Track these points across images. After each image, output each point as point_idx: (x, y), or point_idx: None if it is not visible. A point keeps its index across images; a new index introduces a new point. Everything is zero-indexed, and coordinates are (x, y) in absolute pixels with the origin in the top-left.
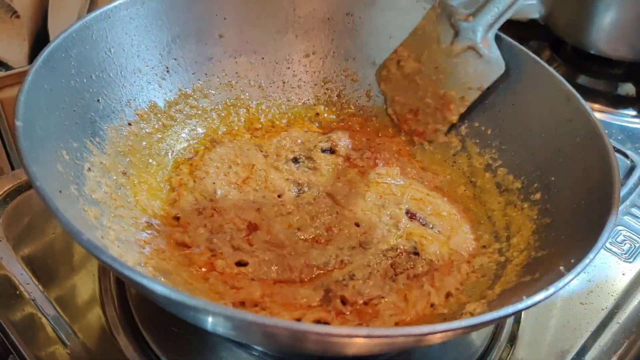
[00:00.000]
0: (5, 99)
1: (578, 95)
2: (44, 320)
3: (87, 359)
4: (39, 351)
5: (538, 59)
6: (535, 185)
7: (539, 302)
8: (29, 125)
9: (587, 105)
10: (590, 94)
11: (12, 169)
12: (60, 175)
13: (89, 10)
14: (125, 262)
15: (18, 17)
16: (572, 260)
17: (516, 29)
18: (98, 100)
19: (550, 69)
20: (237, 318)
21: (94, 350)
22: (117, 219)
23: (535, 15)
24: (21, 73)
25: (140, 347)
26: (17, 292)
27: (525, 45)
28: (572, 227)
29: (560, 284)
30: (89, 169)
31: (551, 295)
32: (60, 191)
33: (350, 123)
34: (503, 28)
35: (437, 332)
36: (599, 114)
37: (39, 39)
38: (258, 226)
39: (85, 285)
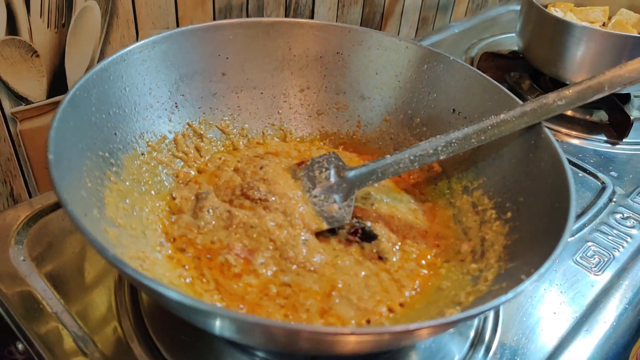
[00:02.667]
0: (25, 130)
1: (542, 124)
2: (65, 332)
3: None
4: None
5: (507, 90)
6: (507, 205)
7: (501, 304)
8: (58, 157)
9: (550, 132)
10: (566, 121)
11: (29, 195)
12: (85, 200)
13: (102, 49)
14: (145, 274)
15: (38, 56)
16: (532, 270)
17: (499, 60)
18: (115, 134)
19: (517, 99)
20: (240, 320)
21: (111, 358)
22: (134, 239)
23: (515, 47)
24: (40, 107)
25: (154, 355)
26: (41, 307)
27: (507, 75)
28: (536, 241)
29: (518, 289)
30: (108, 194)
31: (511, 298)
32: (85, 214)
33: (342, 148)
34: (484, 59)
35: (423, 327)
36: (575, 139)
37: (56, 75)
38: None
39: (102, 299)
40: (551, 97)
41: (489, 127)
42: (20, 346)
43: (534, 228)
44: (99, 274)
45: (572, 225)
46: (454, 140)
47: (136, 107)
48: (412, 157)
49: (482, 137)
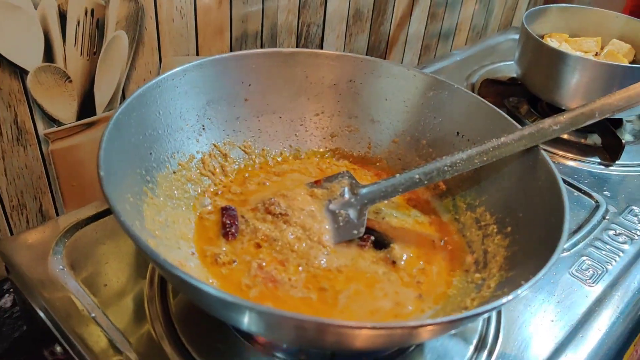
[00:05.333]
0: (56, 150)
1: (539, 147)
2: (101, 332)
3: None
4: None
5: (506, 116)
6: (507, 220)
7: (502, 305)
8: (108, 174)
9: (546, 154)
10: (563, 144)
11: (56, 210)
12: (128, 213)
13: (128, 74)
14: (185, 262)
15: (71, 81)
16: (530, 276)
17: (498, 87)
18: (150, 153)
19: (516, 124)
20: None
21: (144, 354)
22: (169, 249)
23: (513, 73)
24: (70, 128)
25: (182, 354)
26: (79, 311)
27: (506, 100)
28: (534, 252)
29: (518, 292)
30: (146, 208)
31: (512, 299)
32: (131, 225)
33: (353, 168)
34: (485, 85)
35: (437, 323)
36: (571, 161)
37: (86, 99)
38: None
39: (134, 303)
40: (547, 122)
41: (490, 149)
42: (58, 348)
43: (532, 240)
44: (131, 281)
45: (566, 236)
46: (458, 161)
47: (168, 129)
48: (420, 176)
49: (485, 158)
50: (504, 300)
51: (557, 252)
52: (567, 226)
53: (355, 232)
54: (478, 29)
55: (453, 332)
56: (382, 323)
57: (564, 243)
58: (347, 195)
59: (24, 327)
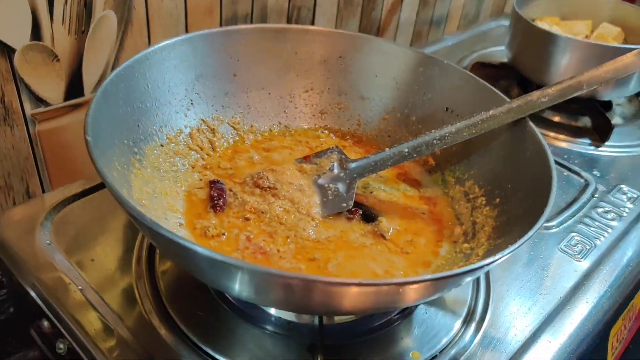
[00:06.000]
0: (43, 131)
1: (527, 118)
2: (89, 306)
3: (129, 336)
4: (89, 333)
5: (495, 89)
6: (496, 192)
7: (488, 264)
8: (95, 140)
9: (535, 126)
10: (554, 126)
11: (43, 192)
12: (116, 180)
13: (117, 55)
14: (178, 234)
15: (58, 60)
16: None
17: (489, 69)
18: (138, 125)
19: (504, 97)
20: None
21: (132, 328)
22: (157, 219)
23: (504, 59)
24: (57, 109)
25: (171, 327)
26: (67, 284)
27: (497, 83)
28: (521, 220)
29: (504, 253)
30: (134, 178)
31: (498, 259)
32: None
33: (343, 144)
34: (476, 68)
35: (425, 280)
36: (562, 142)
37: (74, 79)
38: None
39: (122, 276)
40: (535, 95)
41: (479, 122)
42: (45, 323)
43: (520, 209)
44: (119, 255)
45: (552, 202)
46: (447, 134)
47: (156, 103)
48: (409, 149)
49: (473, 131)
50: (489, 260)
51: (544, 215)
52: (554, 192)
53: (344, 205)
54: (470, 17)
55: (440, 294)
56: (369, 280)
57: (550, 208)
58: (336, 170)
59: (11, 309)
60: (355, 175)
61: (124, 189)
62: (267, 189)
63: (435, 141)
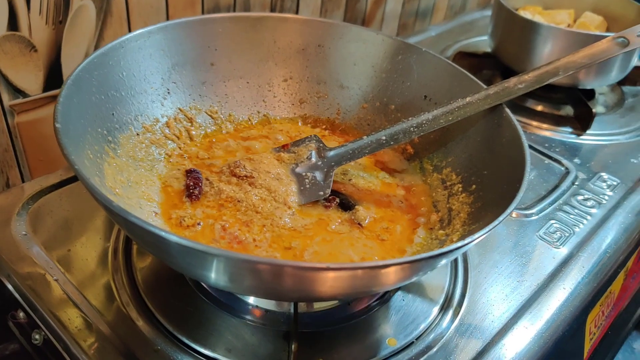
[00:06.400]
0: (22, 122)
1: (504, 105)
2: (65, 297)
3: (106, 328)
4: (64, 325)
5: (472, 76)
6: (472, 178)
7: (457, 248)
8: (65, 128)
9: (511, 112)
10: (537, 115)
11: None
12: (87, 168)
13: (96, 46)
14: (147, 221)
15: (36, 51)
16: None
17: (472, 59)
18: (113, 114)
19: (482, 84)
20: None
21: (110, 321)
22: (130, 207)
23: (487, 48)
24: (36, 100)
25: (148, 317)
26: (42, 275)
27: (479, 73)
28: (495, 205)
29: (474, 236)
30: (107, 167)
31: (468, 243)
32: (88, 178)
33: (323, 133)
34: (458, 58)
35: (399, 263)
36: (545, 131)
37: (53, 70)
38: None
39: (99, 267)
40: (512, 81)
41: (456, 109)
42: (21, 314)
43: (494, 195)
44: (95, 245)
45: (524, 187)
46: (424, 122)
47: (132, 92)
48: (386, 137)
49: (450, 118)
50: (459, 244)
51: (515, 201)
52: (527, 177)
53: (321, 193)
54: (456, 8)
55: (409, 280)
56: (337, 264)
57: (522, 193)
58: (314, 159)
59: None
60: (332, 163)
61: (95, 177)
62: (244, 178)
63: (412, 128)
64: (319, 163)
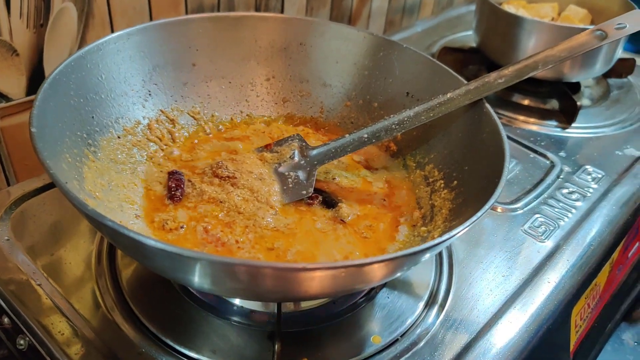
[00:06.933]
0: (5, 127)
1: (484, 100)
2: (48, 302)
3: (90, 333)
4: (48, 330)
5: (453, 72)
6: (454, 174)
7: (435, 245)
8: (40, 132)
9: (490, 106)
10: (523, 109)
11: None
12: (65, 172)
13: (79, 48)
14: (124, 226)
15: (18, 55)
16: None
17: (457, 54)
18: (92, 117)
19: (462, 79)
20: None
21: (95, 326)
22: (111, 210)
23: (473, 43)
24: (20, 104)
25: (132, 320)
26: (25, 280)
27: (464, 69)
28: (475, 200)
29: (451, 233)
30: (87, 170)
31: (446, 240)
32: (66, 182)
33: (307, 132)
34: (443, 54)
35: (379, 261)
36: (532, 125)
37: (35, 74)
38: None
39: (82, 271)
40: (492, 76)
41: (437, 105)
42: (5, 319)
43: (475, 190)
44: (79, 251)
45: (503, 182)
46: (405, 119)
47: (112, 94)
48: (368, 135)
49: (431, 114)
50: (437, 241)
51: (493, 197)
52: (506, 173)
53: (304, 192)
54: (443, 3)
55: (395, 275)
56: (317, 263)
57: (501, 188)
58: (296, 158)
59: None
60: (315, 162)
61: (74, 181)
62: (227, 179)
63: (394, 126)
64: (302, 162)
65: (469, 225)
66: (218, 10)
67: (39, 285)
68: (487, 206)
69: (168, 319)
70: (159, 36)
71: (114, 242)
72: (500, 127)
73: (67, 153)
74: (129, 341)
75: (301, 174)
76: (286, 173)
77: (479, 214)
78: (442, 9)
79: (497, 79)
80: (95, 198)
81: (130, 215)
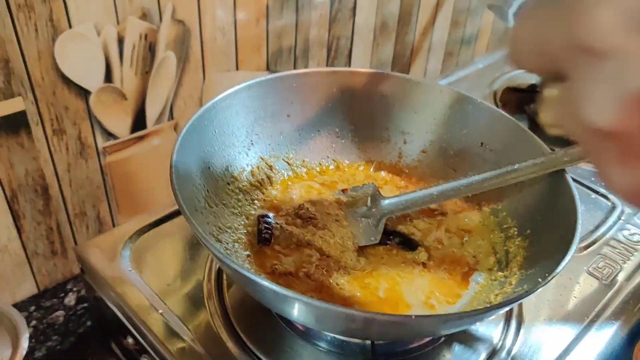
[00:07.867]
0: (112, 162)
1: (543, 145)
2: (166, 324)
3: (201, 350)
4: (170, 350)
5: (523, 127)
6: (527, 224)
7: (522, 299)
8: (180, 186)
9: (571, 179)
10: None
11: (112, 217)
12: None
13: (175, 91)
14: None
15: (126, 99)
16: (547, 275)
17: (519, 94)
18: (209, 168)
19: (532, 134)
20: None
21: (205, 344)
22: (228, 252)
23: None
24: (124, 142)
25: (236, 340)
26: (148, 306)
27: (527, 107)
28: (551, 252)
29: (536, 288)
30: (207, 216)
31: (530, 294)
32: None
33: (385, 177)
34: (505, 94)
35: (489, 309)
36: (590, 164)
37: (138, 114)
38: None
39: (194, 298)
40: (560, 154)
41: (504, 173)
42: (130, 340)
43: (549, 242)
44: (190, 279)
45: (578, 238)
46: (473, 183)
47: (222, 145)
48: (437, 194)
49: (497, 181)
50: (524, 296)
51: (570, 251)
52: (579, 229)
53: (373, 238)
54: (499, 33)
55: (479, 323)
56: (423, 314)
57: (577, 244)
58: (369, 205)
59: (88, 323)
60: (385, 212)
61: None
62: (308, 219)
63: (462, 187)
64: (373, 210)
65: (548, 281)
66: (295, 52)
67: (160, 313)
68: (564, 263)
69: (267, 342)
70: (260, 91)
71: (238, 283)
72: (572, 183)
73: (196, 199)
74: (233, 357)
75: (371, 221)
76: (358, 218)
77: (557, 269)
78: (497, 40)
79: (563, 156)
80: (217, 242)
81: (243, 257)
